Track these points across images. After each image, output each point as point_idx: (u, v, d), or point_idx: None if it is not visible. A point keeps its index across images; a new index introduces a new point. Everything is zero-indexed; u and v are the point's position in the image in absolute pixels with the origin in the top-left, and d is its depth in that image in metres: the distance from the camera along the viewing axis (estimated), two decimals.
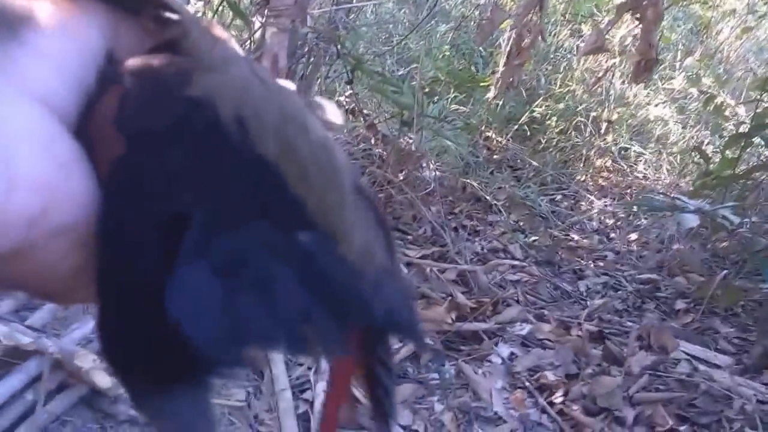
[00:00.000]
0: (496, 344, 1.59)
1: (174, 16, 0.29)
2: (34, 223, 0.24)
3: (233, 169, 0.29)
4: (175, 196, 0.27)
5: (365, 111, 2.41)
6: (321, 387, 1.37)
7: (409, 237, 2.24)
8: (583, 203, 2.89)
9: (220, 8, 1.85)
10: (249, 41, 1.72)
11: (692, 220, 1.74)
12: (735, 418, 1.38)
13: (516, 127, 3.24)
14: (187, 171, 0.27)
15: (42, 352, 1.18)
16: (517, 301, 1.82)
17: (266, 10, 1.23)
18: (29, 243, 0.25)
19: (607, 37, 2.23)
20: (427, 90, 2.44)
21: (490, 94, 3.26)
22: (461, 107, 3.19)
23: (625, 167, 3.33)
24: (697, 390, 1.45)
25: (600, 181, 3.21)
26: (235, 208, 0.29)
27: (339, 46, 1.89)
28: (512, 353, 1.57)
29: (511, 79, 2.29)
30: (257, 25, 1.53)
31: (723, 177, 2.13)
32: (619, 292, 2.06)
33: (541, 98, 3.35)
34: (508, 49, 2.24)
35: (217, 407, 1.26)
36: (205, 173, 0.28)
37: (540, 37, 2.11)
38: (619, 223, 2.71)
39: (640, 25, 2.09)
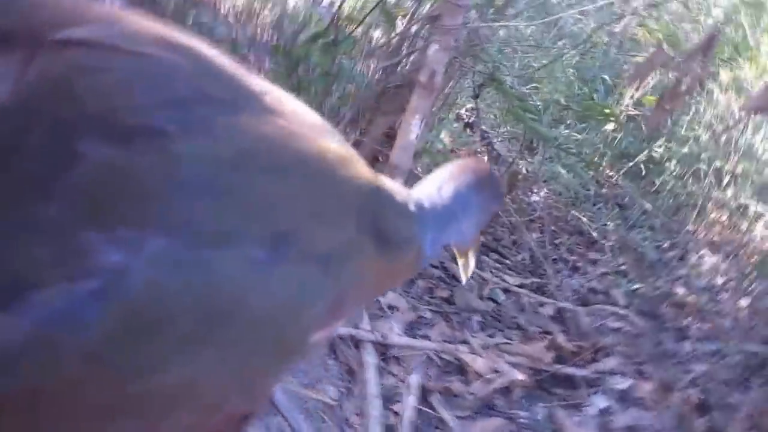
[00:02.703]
0: (593, 394, 1.53)
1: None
2: None
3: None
4: None
5: (484, 128, 2.38)
6: (411, 401, 1.36)
7: (508, 262, 2.20)
8: (692, 257, 2.74)
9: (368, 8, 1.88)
10: (391, 45, 1.73)
11: None
12: None
13: (631, 164, 3.11)
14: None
15: None
16: (617, 352, 1.74)
17: (431, 26, 1.23)
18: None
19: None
20: (555, 118, 2.38)
21: (610, 126, 3.14)
22: (577, 135, 3.09)
23: (743, 225, 3.12)
24: None
25: (713, 236, 3.02)
26: None
27: (475, 63, 1.87)
28: (609, 407, 1.51)
29: (659, 122, 2.19)
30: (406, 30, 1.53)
31: None
32: (726, 359, 1.93)
33: (663, 138, 3.19)
34: (663, 92, 2.15)
35: (311, 402, 1.28)
36: None
37: (699, 86, 2.01)
38: (730, 283, 2.55)
39: None
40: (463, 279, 0.77)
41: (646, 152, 3.09)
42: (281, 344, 0.39)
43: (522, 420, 1.43)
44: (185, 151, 0.34)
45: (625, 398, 1.56)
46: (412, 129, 1.28)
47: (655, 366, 1.74)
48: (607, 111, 2.99)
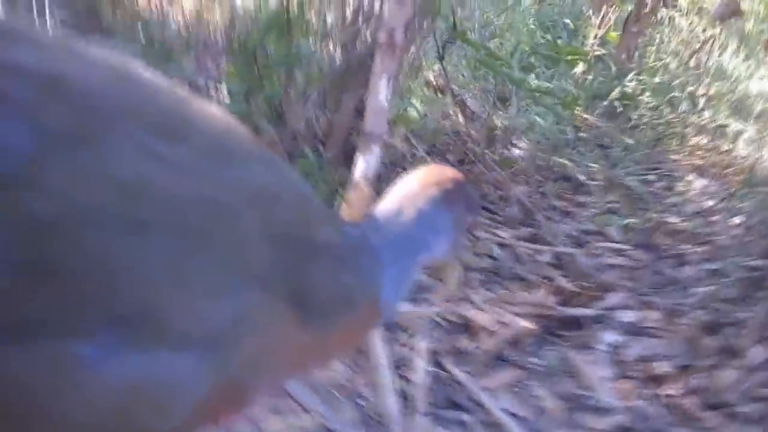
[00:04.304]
0: (601, 331, 1.53)
1: None
2: None
3: None
4: None
5: (454, 87, 2.35)
6: (422, 365, 1.35)
7: (498, 217, 2.18)
8: (679, 184, 2.74)
9: None
10: (346, 19, 1.69)
11: None
12: None
13: (605, 103, 3.10)
14: None
15: None
16: (619, 287, 1.74)
17: None
18: None
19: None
20: (524, 65, 2.35)
21: (579, 68, 3.12)
22: (547, 83, 3.07)
23: (724, 146, 3.13)
24: None
25: (696, 160, 3.03)
26: None
27: (434, 22, 1.84)
28: (618, 341, 1.50)
29: (629, 48, 2.16)
30: None
31: None
32: (727, 278, 1.94)
33: (633, 73, 3.18)
34: (627, 16, 2.11)
35: (323, 385, 1.26)
36: None
37: (662, 3, 1.98)
38: (720, 205, 2.56)
39: None
40: (451, 288, 0.65)
41: (618, 89, 3.08)
42: None
43: (535, 367, 1.42)
44: None
45: (633, 330, 1.56)
46: (380, 90, 1.25)
47: (659, 294, 1.75)
48: (574, 51, 2.97)
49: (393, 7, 1.21)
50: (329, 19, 1.94)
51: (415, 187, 0.56)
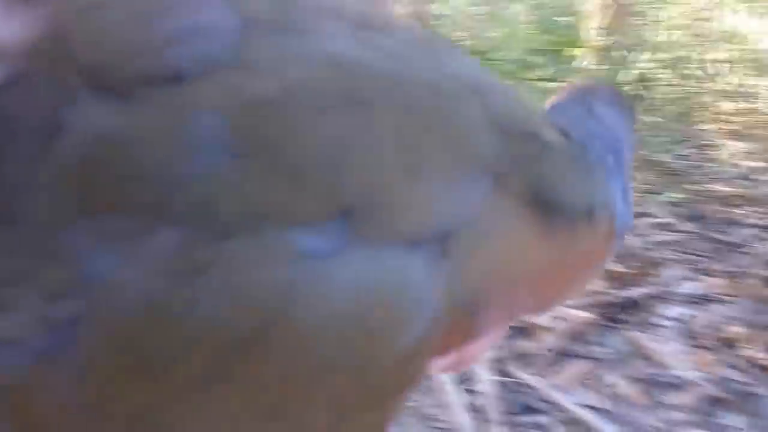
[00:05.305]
0: (663, 307, 1.48)
1: None
2: None
3: None
4: None
5: None
6: (487, 376, 1.33)
7: None
8: (715, 152, 2.67)
9: None
10: None
11: None
12: None
13: (626, 88, 3.07)
14: None
15: None
16: (674, 261, 1.69)
17: None
18: None
19: None
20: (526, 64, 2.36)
21: (586, 61, 3.11)
22: (549, 83, 3.06)
23: (754, 106, 3.05)
24: None
25: (728, 125, 2.95)
26: None
27: None
28: (683, 314, 1.45)
29: (621, 23, 2.14)
30: None
31: None
32: None
33: (648, 52, 3.15)
34: None
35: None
36: None
37: None
38: (761, 164, 2.48)
39: None
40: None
41: (631, 72, 3.05)
42: (360, 383, 0.25)
43: (602, 355, 1.38)
44: (204, 100, 0.23)
45: (696, 300, 1.50)
46: None
47: (715, 261, 1.69)
48: (573, 42, 2.97)
49: None
50: None
51: (583, 87, 0.47)
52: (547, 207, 0.32)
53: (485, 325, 0.31)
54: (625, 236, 0.42)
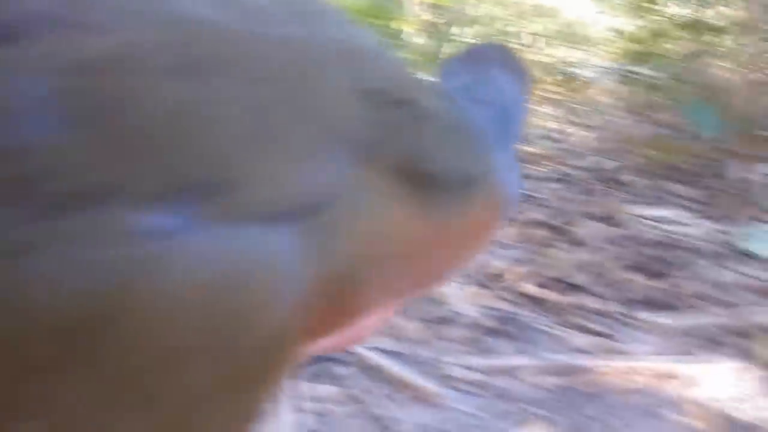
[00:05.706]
0: None
1: None
2: None
3: None
4: None
5: None
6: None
7: None
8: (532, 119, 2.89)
9: None
10: None
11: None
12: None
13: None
14: None
15: None
16: None
17: None
18: None
19: None
20: None
21: (411, 36, 3.23)
22: None
23: (570, 75, 3.32)
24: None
25: (543, 94, 3.20)
26: None
27: None
28: None
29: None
30: None
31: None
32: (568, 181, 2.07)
33: (462, 27, 3.33)
34: None
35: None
36: None
37: None
38: (562, 126, 2.73)
39: None
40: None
41: (458, 44, 3.21)
42: (217, 368, 0.23)
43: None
44: (30, 62, 0.20)
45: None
46: None
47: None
48: (402, 15, 3.07)
49: None
50: None
51: (474, 49, 0.46)
52: (423, 178, 0.30)
53: (367, 303, 0.30)
54: (513, 205, 0.41)
